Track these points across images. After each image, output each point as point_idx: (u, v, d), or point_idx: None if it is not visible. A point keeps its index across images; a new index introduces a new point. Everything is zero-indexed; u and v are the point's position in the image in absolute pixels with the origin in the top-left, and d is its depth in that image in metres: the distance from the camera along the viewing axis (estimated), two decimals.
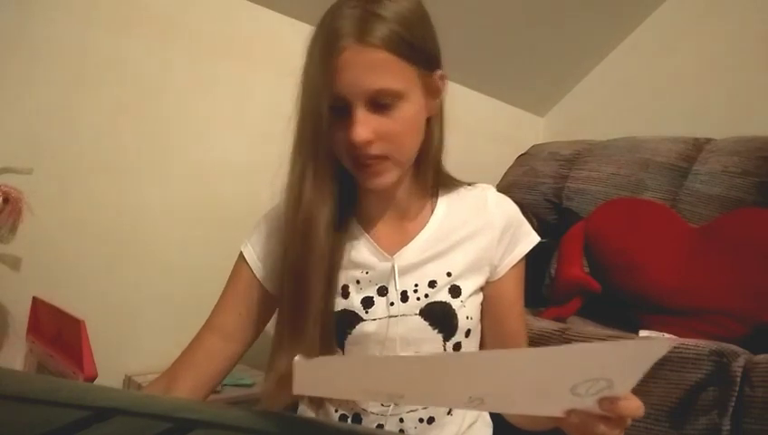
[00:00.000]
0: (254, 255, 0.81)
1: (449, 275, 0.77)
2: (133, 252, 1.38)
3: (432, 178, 0.80)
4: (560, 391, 0.42)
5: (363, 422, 0.78)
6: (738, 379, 0.99)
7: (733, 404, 0.98)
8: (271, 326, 0.79)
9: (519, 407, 0.47)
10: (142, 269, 1.39)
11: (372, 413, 0.77)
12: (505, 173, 2.08)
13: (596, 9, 2.06)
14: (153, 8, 1.38)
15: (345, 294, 0.77)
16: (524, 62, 2.18)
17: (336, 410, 0.79)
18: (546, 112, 2.54)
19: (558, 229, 1.72)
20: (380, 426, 0.76)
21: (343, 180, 0.75)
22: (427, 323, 0.75)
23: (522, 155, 2.11)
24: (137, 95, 1.36)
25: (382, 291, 0.77)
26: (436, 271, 0.77)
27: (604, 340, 1.16)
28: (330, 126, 0.69)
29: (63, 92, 1.25)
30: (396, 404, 0.76)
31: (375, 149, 0.69)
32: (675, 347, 1.09)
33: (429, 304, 0.76)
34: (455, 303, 0.76)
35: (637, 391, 0.45)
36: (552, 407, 0.46)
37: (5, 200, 1.07)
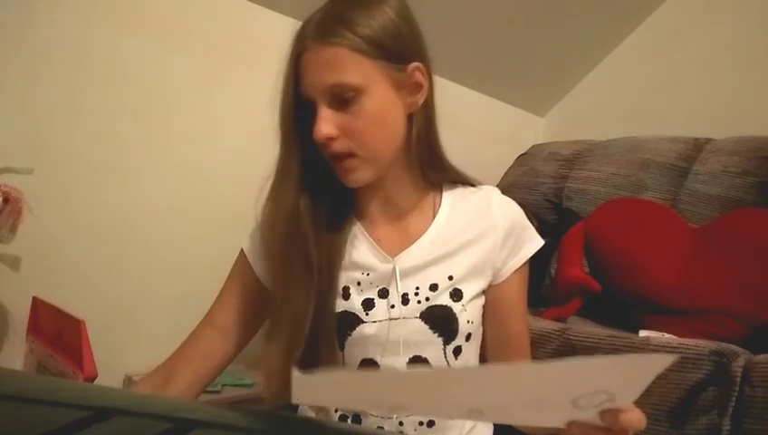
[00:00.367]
0: (253, 251, 0.81)
1: (451, 278, 0.76)
2: (133, 252, 1.38)
3: (428, 172, 0.80)
4: (560, 404, 0.42)
5: (363, 423, 0.78)
6: (738, 379, 0.99)
7: (733, 404, 0.98)
8: None
9: (519, 419, 0.47)
10: (142, 269, 1.39)
11: (372, 415, 0.77)
12: (505, 173, 2.08)
13: (596, 9, 2.06)
14: (153, 8, 1.38)
15: (346, 296, 0.76)
16: (524, 62, 2.18)
17: (336, 410, 0.79)
18: (546, 112, 2.54)
19: (558, 229, 1.72)
20: (380, 428, 0.76)
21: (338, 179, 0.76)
22: (427, 327, 0.75)
23: (522, 155, 2.10)
24: (137, 95, 1.36)
25: (383, 293, 0.76)
26: (437, 274, 0.77)
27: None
28: (306, 126, 0.72)
29: (63, 92, 1.25)
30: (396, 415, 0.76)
31: (338, 146, 0.71)
32: (675, 347, 1.09)
33: (430, 308, 0.75)
34: (456, 306, 0.76)
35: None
36: (553, 419, 0.46)
37: (5, 200, 1.07)
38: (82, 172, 1.29)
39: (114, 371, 1.33)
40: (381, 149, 0.74)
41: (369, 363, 0.76)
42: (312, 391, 0.38)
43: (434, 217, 0.80)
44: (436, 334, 0.75)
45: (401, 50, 0.73)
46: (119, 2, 1.32)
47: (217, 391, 1.31)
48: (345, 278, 0.77)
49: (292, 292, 0.72)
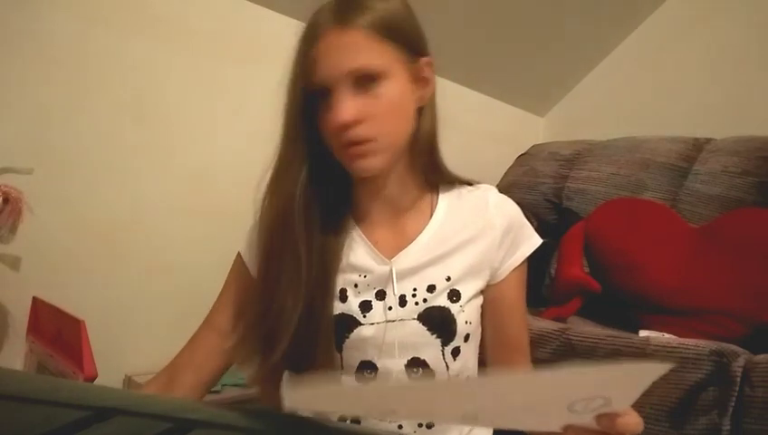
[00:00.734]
0: (250, 253, 0.80)
1: (449, 279, 0.76)
2: (133, 252, 1.38)
3: (428, 172, 0.80)
4: (556, 410, 0.42)
5: (362, 424, 0.77)
6: (738, 379, 0.99)
7: (733, 404, 0.98)
8: None
9: (514, 424, 0.47)
10: (142, 269, 1.39)
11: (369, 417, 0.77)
12: (505, 173, 2.08)
13: (596, 10, 2.06)
14: (154, 8, 1.38)
15: (343, 298, 0.76)
16: (524, 63, 2.18)
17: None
18: (546, 112, 2.54)
19: (558, 229, 1.72)
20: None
21: (337, 180, 0.75)
22: (425, 329, 0.74)
23: (522, 155, 2.11)
24: (137, 95, 1.36)
25: (380, 295, 0.76)
26: (435, 275, 0.76)
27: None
28: (316, 115, 0.71)
29: (64, 92, 1.25)
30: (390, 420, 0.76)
31: (360, 130, 0.69)
32: (675, 347, 1.09)
33: (428, 309, 0.75)
34: (454, 307, 0.75)
35: None
36: (549, 423, 0.46)
37: (5, 200, 1.07)
38: (82, 172, 1.29)
39: (114, 371, 1.33)
40: (397, 138, 0.74)
41: (367, 366, 0.75)
42: (304, 400, 0.38)
43: (431, 217, 0.80)
44: (435, 336, 0.75)
45: (415, 40, 0.74)
46: (119, 2, 1.32)
47: (217, 391, 1.31)
48: (342, 281, 0.76)
49: (278, 288, 0.72)
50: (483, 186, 0.85)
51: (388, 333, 0.74)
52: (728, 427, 0.98)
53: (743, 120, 1.78)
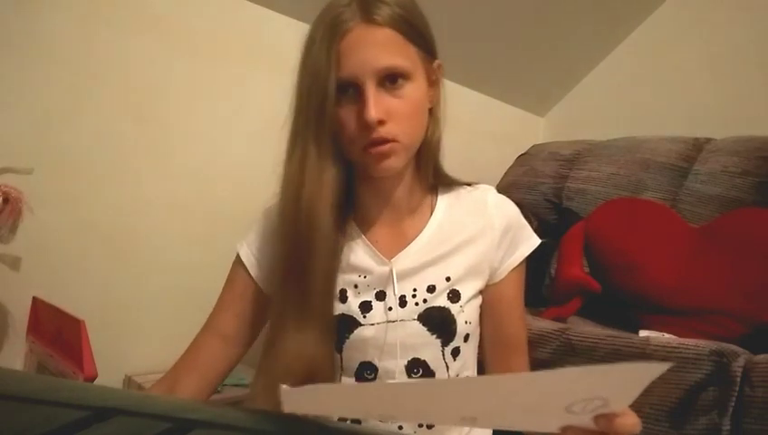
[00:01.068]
0: (250, 255, 0.80)
1: (448, 279, 0.76)
2: (133, 252, 1.38)
3: (431, 175, 0.80)
4: (554, 411, 0.42)
5: (363, 424, 0.77)
6: (738, 379, 0.99)
7: (733, 404, 0.98)
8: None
9: (512, 424, 0.47)
10: (142, 269, 1.39)
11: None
12: (505, 173, 2.08)
13: (596, 10, 2.06)
14: (154, 9, 1.38)
15: (343, 299, 0.76)
16: (524, 63, 2.18)
17: None
18: (546, 112, 2.54)
19: (558, 229, 1.72)
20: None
21: (341, 181, 0.74)
22: (425, 329, 0.74)
23: (522, 155, 2.11)
24: (137, 95, 1.36)
25: (380, 296, 0.76)
26: (435, 276, 0.76)
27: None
28: (336, 112, 0.69)
29: (64, 92, 1.25)
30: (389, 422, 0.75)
31: (384, 130, 0.68)
32: (675, 347, 1.09)
33: (428, 310, 0.75)
34: (454, 308, 0.75)
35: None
36: (547, 424, 0.46)
37: (5, 200, 1.07)
38: (83, 172, 1.29)
39: (114, 371, 1.33)
40: (415, 139, 0.74)
41: (367, 366, 0.75)
42: (302, 402, 0.38)
43: (430, 217, 0.80)
44: (435, 336, 0.75)
45: (431, 43, 0.75)
46: (119, 3, 1.32)
47: (218, 391, 1.31)
48: (342, 281, 0.76)
49: (306, 294, 0.70)
50: (482, 186, 0.85)
51: (389, 333, 0.74)
52: (728, 427, 0.97)
53: (743, 121, 1.78)
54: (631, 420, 0.44)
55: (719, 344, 1.06)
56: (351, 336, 0.75)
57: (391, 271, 0.76)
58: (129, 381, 1.34)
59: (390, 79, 0.68)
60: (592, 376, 0.38)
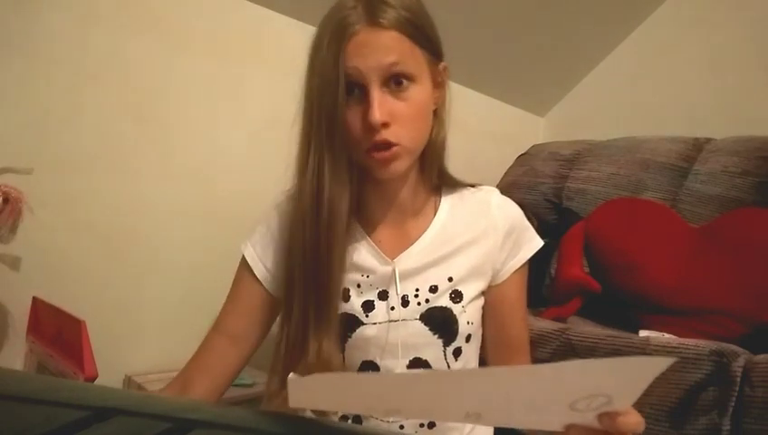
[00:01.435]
0: (255, 256, 0.80)
1: (451, 280, 0.76)
2: (133, 252, 1.38)
3: (435, 176, 0.80)
4: (558, 407, 0.42)
5: (363, 424, 0.78)
6: (738, 379, 0.99)
7: (733, 404, 0.98)
8: (275, 326, 0.79)
9: (516, 422, 0.47)
10: (142, 269, 1.39)
11: (372, 416, 0.77)
12: (505, 173, 2.08)
13: (596, 10, 2.06)
14: (154, 8, 1.38)
15: (346, 298, 0.76)
16: (524, 63, 2.18)
17: (336, 412, 0.79)
18: (546, 112, 2.54)
19: (558, 229, 1.72)
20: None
21: (354, 183, 0.74)
22: (427, 329, 0.75)
23: (522, 155, 2.11)
24: (138, 95, 1.36)
25: (383, 295, 0.76)
26: (437, 276, 0.76)
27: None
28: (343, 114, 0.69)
29: (64, 92, 1.25)
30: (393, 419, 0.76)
31: (388, 133, 0.68)
32: (675, 347, 1.09)
33: (430, 310, 0.75)
34: (456, 308, 0.76)
35: None
36: (551, 422, 0.46)
37: (5, 200, 1.07)
38: (82, 172, 1.29)
39: (114, 371, 1.33)
40: (420, 142, 0.74)
41: (369, 365, 0.75)
42: (309, 394, 0.37)
43: (433, 218, 0.80)
44: (436, 336, 0.75)
45: (438, 44, 0.74)
46: (119, 2, 1.32)
47: None
48: (345, 280, 0.76)
49: (327, 291, 0.71)
50: (485, 188, 0.85)
51: (391, 333, 0.74)
52: (728, 427, 0.98)
53: (743, 121, 1.78)
54: (635, 419, 0.44)
55: (719, 344, 1.06)
56: (354, 335, 0.75)
57: (394, 271, 0.76)
58: (129, 381, 1.34)
59: (395, 81, 0.68)
60: (596, 370, 0.38)
